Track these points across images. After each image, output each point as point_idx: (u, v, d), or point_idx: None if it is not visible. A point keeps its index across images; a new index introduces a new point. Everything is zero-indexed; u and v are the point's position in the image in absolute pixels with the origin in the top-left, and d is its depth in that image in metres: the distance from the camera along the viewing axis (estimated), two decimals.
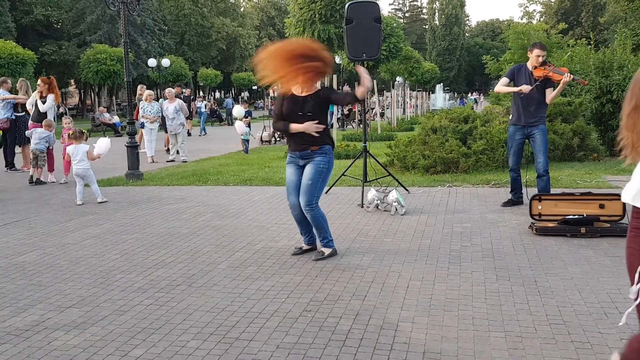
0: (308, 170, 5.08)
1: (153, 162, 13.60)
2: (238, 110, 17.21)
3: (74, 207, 7.99)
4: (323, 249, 5.26)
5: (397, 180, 8.46)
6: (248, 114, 17.90)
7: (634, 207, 2.53)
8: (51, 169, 10.67)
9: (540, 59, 6.77)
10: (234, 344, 3.46)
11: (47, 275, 4.93)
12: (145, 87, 15.71)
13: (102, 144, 8.39)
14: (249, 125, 16.48)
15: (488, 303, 4.00)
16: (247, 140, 15.38)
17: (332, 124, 17.88)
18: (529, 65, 6.85)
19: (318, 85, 5.23)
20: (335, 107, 17.82)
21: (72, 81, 55.66)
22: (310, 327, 3.68)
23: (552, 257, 5.05)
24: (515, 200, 7.23)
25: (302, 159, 5.13)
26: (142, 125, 13.85)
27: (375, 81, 24.07)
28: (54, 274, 4.98)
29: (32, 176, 10.26)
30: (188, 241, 5.98)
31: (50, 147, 10.46)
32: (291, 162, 5.23)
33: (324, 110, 5.18)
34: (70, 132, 8.66)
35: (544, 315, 3.77)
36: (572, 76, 6.63)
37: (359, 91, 5.12)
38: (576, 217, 5.76)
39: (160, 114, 14.04)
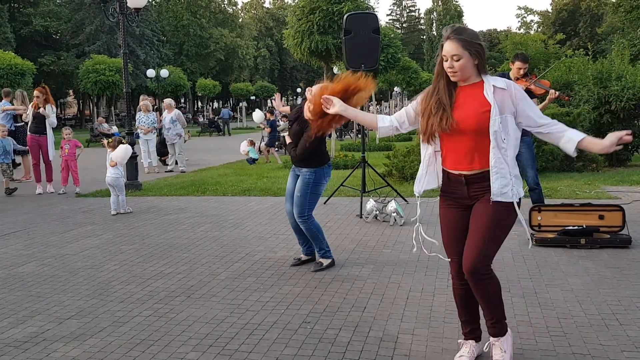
0: (298, 182, 5.17)
1: (149, 172, 13.60)
2: (258, 115, 16.69)
3: (72, 218, 7.98)
4: (321, 260, 5.26)
5: (395, 190, 8.46)
6: (272, 123, 17.14)
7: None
8: (49, 179, 10.66)
9: (522, 72, 6.69)
10: (233, 356, 3.44)
11: (46, 286, 4.91)
12: (147, 97, 15.72)
13: (119, 152, 8.47)
14: (272, 134, 16.10)
15: None
16: (254, 160, 15.26)
17: (330, 133, 17.91)
18: (511, 76, 6.68)
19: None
20: None
21: (70, 91, 55.70)
22: (310, 339, 3.66)
23: (552, 268, 5.04)
24: None
25: (297, 167, 5.24)
26: (137, 136, 13.86)
27: (373, 91, 24.08)
28: (53, 285, 4.96)
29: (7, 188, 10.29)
30: (187, 252, 5.96)
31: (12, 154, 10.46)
32: (292, 169, 5.35)
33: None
34: (110, 140, 8.68)
35: (544, 326, 3.76)
36: (557, 93, 6.65)
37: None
38: (576, 228, 5.76)
39: (154, 125, 13.99)
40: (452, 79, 3.07)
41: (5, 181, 10.33)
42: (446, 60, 3.04)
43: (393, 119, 3.32)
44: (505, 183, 3.03)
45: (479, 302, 3.20)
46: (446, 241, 3.28)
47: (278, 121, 17.82)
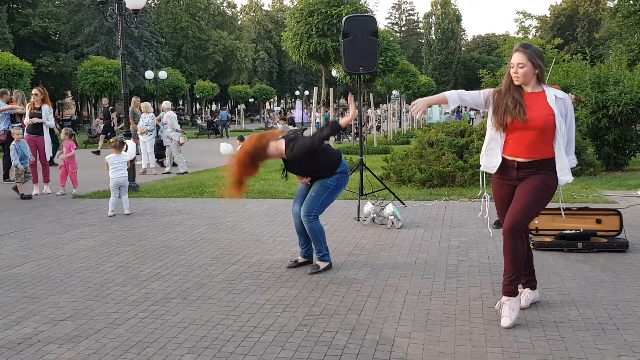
0: (316, 183, 5.14)
1: (144, 173, 13.57)
2: (226, 148, 15.96)
3: (69, 219, 7.95)
4: (319, 262, 5.24)
5: (393, 193, 8.45)
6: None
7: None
8: (46, 180, 10.62)
9: None
10: (229, 358, 3.43)
11: (41, 288, 4.89)
12: (139, 99, 15.65)
13: (131, 148, 8.50)
14: None
15: (485, 318, 3.98)
16: None
17: (328, 137, 17.89)
18: None
19: (282, 146, 4.96)
20: (331, 117, 17.72)
21: (69, 93, 55.65)
22: (306, 342, 3.65)
23: (549, 272, 5.03)
24: None
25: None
26: (137, 137, 13.83)
27: (371, 94, 24.12)
28: (48, 286, 4.94)
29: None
30: (183, 254, 5.94)
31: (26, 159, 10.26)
32: None
33: (308, 158, 4.99)
34: (111, 140, 8.65)
35: (541, 331, 3.75)
36: (573, 96, 6.71)
37: (343, 120, 5.23)
38: (573, 232, 5.75)
39: (150, 126, 13.89)
40: (515, 82, 3.88)
41: (19, 185, 10.10)
42: (512, 67, 3.85)
43: (463, 94, 4.09)
44: (562, 168, 3.86)
45: (506, 257, 3.90)
46: (499, 211, 4.15)
47: (276, 123, 17.44)
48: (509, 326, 3.79)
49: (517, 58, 3.83)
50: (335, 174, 5.10)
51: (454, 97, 4.07)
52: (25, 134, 10.98)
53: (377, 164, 11.99)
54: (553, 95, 3.84)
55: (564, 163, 3.86)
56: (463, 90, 4.15)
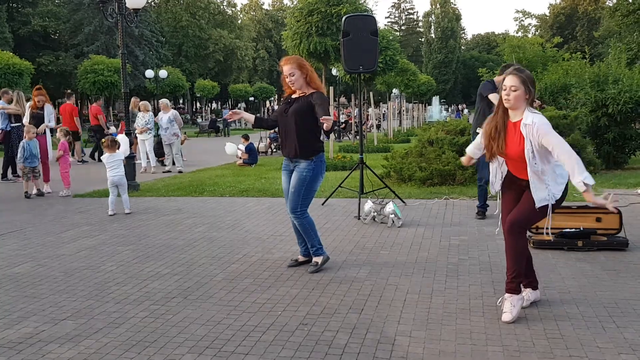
0: (293, 178, 5.13)
1: (144, 172, 13.56)
2: (231, 148, 16.04)
3: (69, 218, 7.96)
4: (315, 259, 5.24)
5: (393, 192, 8.45)
6: (248, 148, 15.29)
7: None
8: (47, 179, 10.62)
9: None
10: (229, 358, 3.43)
11: (42, 287, 4.90)
12: (138, 99, 15.67)
13: (124, 146, 8.55)
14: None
15: (486, 317, 3.98)
16: (253, 163, 15.03)
17: (328, 135, 17.89)
18: (497, 84, 6.85)
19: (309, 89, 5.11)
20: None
21: (69, 91, 55.71)
22: (307, 341, 3.65)
23: (549, 270, 5.03)
24: (484, 210, 7.40)
25: (291, 163, 5.19)
26: (135, 136, 13.84)
27: (371, 93, 24.13)
28: (49, 285, 4.94)
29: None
30: (184, 253, 5.95)
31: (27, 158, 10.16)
32: (284, 168, 5.30)
33: (308, 114, 5.00)
34: (103, 140, 8.65)
35: (541, 329, 3.75)
36: (538, 102, 6.86)
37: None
38: (573, 230, 5.76)
39: (149, 125, 13.88)
40: (505, 104, 3.84)
41: (25, 184, 9.99)
42: (504, 90, 3.80)
43: (477, 144, 4.33)
44: (542, 194, 3.82)
45: (507, 255, 3.96)
46: (504, 212, 4.11)
47: (261, 141, 17.16)
48: (509, 321, 3.83)
49: (510, 81, 3.78)
50: (310, 158, 5.04)
51: (471, 150, 4.44)
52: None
53: (378, 162, 11.99)
54: (524, 123, 3.78)
55: (540, 186, 3.82)
56: (473, 145, 4.42)
